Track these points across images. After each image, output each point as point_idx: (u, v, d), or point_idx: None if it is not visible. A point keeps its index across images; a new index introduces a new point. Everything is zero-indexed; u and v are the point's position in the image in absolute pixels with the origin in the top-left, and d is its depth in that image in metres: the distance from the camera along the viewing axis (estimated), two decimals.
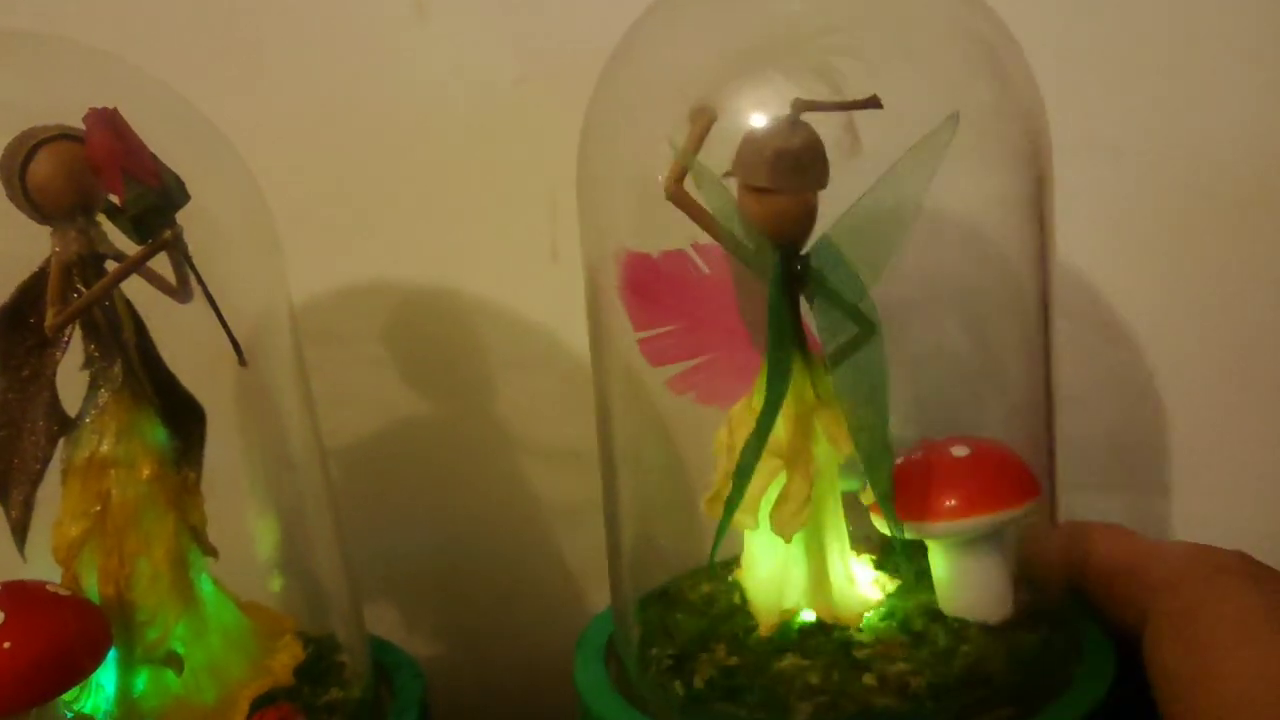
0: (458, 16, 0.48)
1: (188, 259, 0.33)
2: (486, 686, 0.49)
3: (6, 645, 0.31)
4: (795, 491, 0.35)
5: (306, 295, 0.47)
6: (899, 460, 0.36)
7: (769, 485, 0.35)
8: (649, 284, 0.37)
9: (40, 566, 0.35)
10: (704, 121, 0.35)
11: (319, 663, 0.38)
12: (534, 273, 0.48)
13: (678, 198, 0.34)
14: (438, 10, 0.47)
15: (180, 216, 0.34)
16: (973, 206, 0.39)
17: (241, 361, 0.35)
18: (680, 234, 0.37)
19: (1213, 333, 0.49)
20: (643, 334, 0.37)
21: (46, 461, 0.35)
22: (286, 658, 0.37)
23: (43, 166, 0.33)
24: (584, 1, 0.46)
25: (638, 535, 0.40)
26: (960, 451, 0.36)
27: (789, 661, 0.35)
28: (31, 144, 0.33)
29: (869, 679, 0.34)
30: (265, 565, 0.39)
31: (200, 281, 0.33)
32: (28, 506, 0.35)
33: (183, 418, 0.36)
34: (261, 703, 0.35)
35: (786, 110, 0.33)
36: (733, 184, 0.35)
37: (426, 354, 0.50)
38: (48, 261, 0.35)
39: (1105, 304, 0.50)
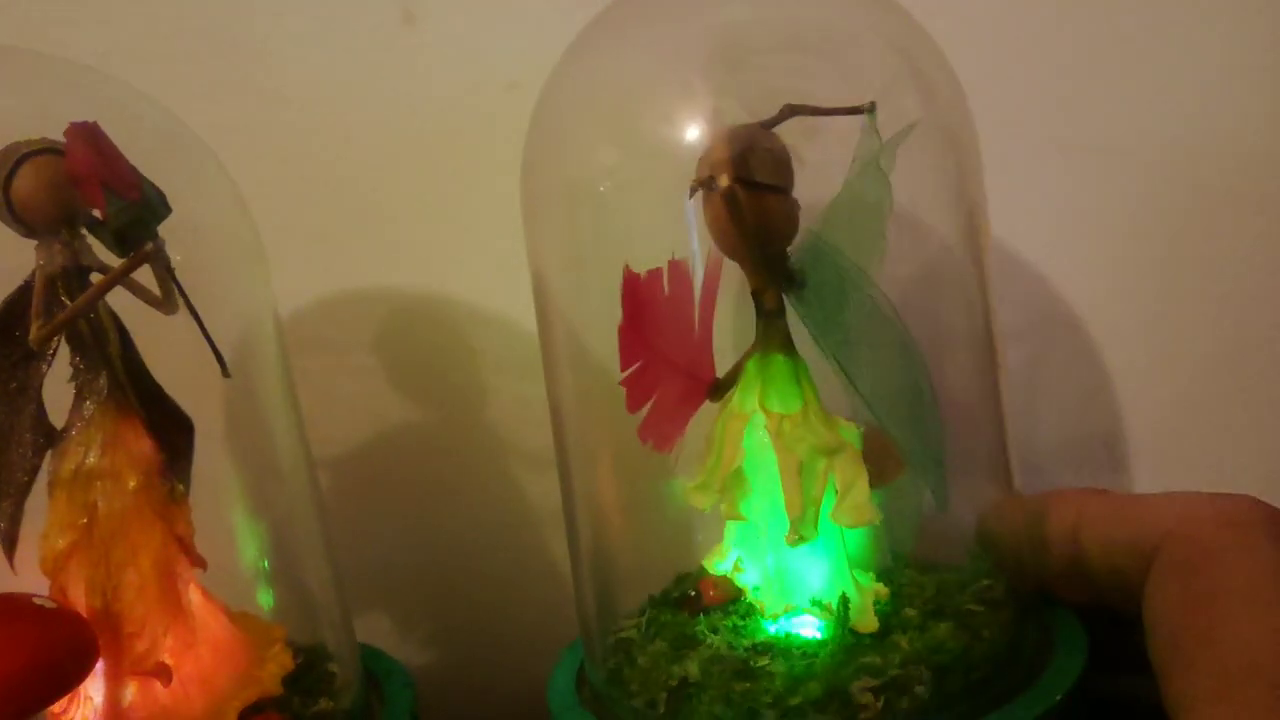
0: (447, 23, 0.48)
1: (169, 271, 0.33)
2: (477, 694, 0.49)
3: None
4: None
5: (295, 304, 0.47)
6: None
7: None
8: (632, 313, 0.36)
9: (28, 579, 0.35)
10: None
11: (308, 672, 0.38)
12: (524, 279, 0.48)
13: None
14: (426, 16, 0.48)
15: (163, 228, 0.34)
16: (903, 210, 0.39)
17: (225, 373, 0.35)
18: (615, 245, 0.38)
19: (1175, 331, 0.49)
20: (622, 374, 0.36)
21: (34, 474, 0.35)
22: (275, 667, 0.37)
23: (26, 180, 0.34)
24: (574, 6, 0.46)
25: (596, 550, 0.40)
26: None
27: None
28: (15, 158, 0.34)
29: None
30: (254, 575, 0.39)
31: (182, 294, 0.33)
32: (15, 519, 0.35)
33: (169, 429, 0.37)
34: (250, 713, 0.35)
35: (725, 123, 0.34)
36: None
37: (415, 362, 0.50)
38: (32, 275, 0.35)
39: (1066, 302, 0.50)
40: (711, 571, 0.39)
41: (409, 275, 0.49)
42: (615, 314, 0.42)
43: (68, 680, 0.32)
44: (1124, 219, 0.49)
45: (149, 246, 0.32)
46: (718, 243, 0.35)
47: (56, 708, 0.33)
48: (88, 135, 0.32)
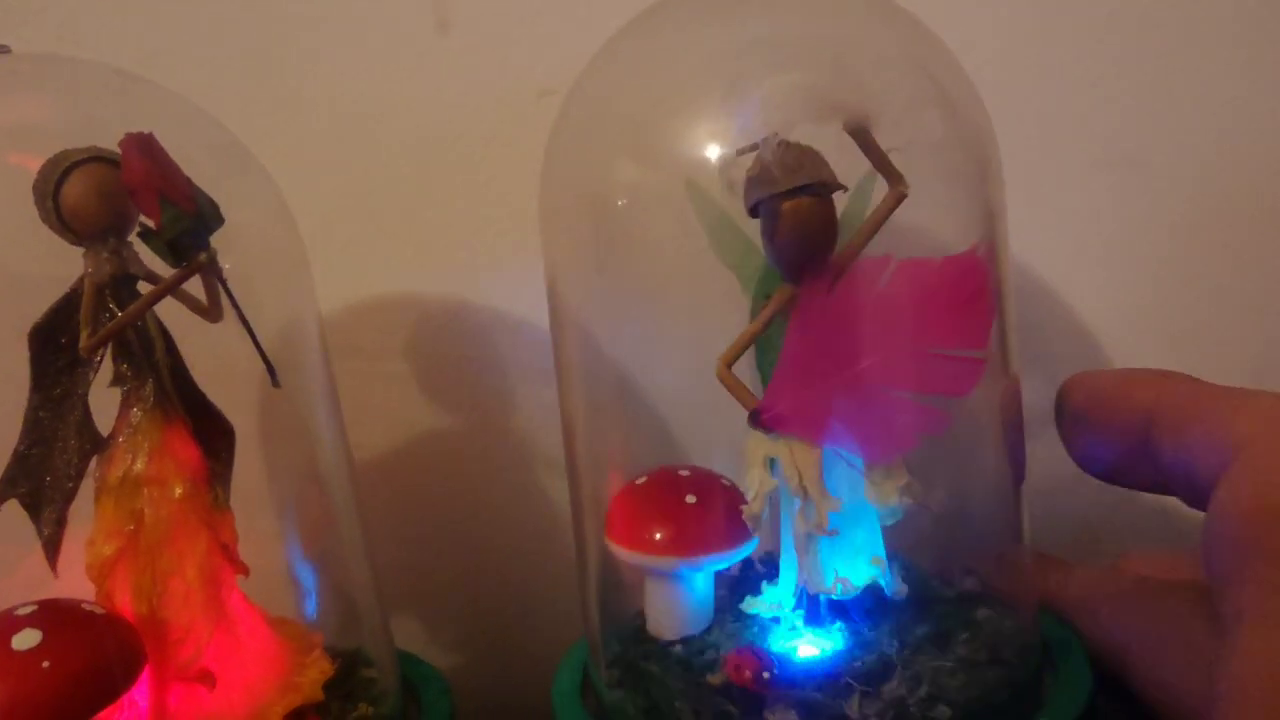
0: (480, 31, 0.48)
1: (222, 282, 0.34)
2: (505, 699, 0.49)
3: (45, 664, 0.31)
4: None
5: (324, 311, 0.47)
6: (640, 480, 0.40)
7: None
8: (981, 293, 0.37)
9: (68, 584, 0.35)
10: None
11: (348, 678, 0.38)
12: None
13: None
14: (460, 25, 0.48)
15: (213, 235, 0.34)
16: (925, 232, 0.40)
17: (275, 383, 0.35)
18: (626, 256, 0.40)
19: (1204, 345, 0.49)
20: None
21: (79, 479, 0.36)
22: (315, 673, 0.37)
23: (75, 188, 0.34)
24: (607, 14, 0.47)
25: (603, 555, 0.41)
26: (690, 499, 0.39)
27: None
28: (64, 166, 0.34)
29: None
30: (295, 581, 0.39)
31: (234, 303, 0.34)
32: (60, 524, 0.36)
33: (213, 436, 0.37)
34: (292, 719, 0.36)
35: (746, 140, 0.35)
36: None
37: (446, 369, 0.50)
38: (80, 282, 0.35)
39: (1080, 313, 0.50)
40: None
41: (439, 283, 0.50)
42: (629, 325, 0.43)
43: (116, 687, 0.33)
44: (1152, 235, 0.49)
45: (203, 256, 0.33)
46: (798, 249, 0.35)
47: (104, 714, 0.33)
48: (143, 145, 0.32)
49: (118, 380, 0.36)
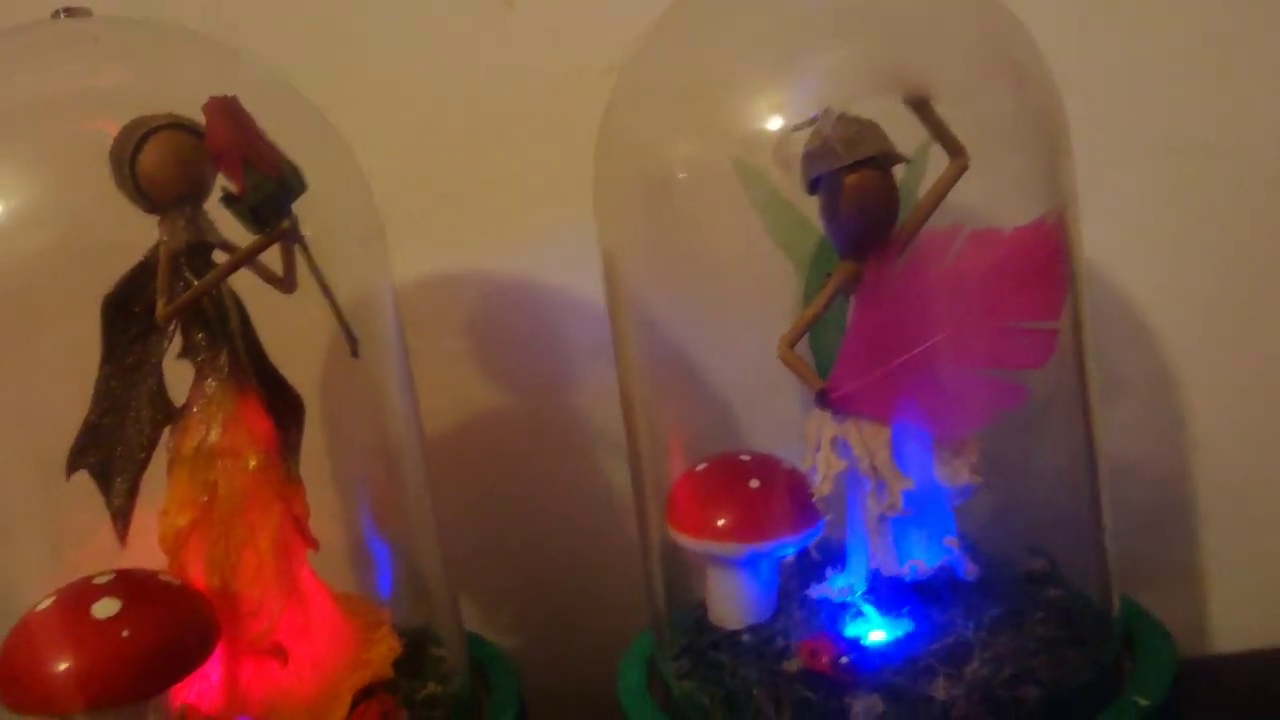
0: (546, 7, 0.47)
1: (305, 249, 0.33)
2: (568, 680, 0.48)
3: (125, 634, 0.30)
4: None
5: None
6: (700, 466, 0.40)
7: None
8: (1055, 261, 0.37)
9: (136, 555, 0.35)
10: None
11: (416, 656, 0.38)
12: None
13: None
14: (526, 1, 0.47)
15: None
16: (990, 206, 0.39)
17: (354, 353, 0.35)
18: (688, 226, 0.39)
19: None
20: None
21: (151, 450, 0.35)
22: (384, 650, 0.37)
23: (152, 155, 0.33)
24: None
25: (665, 544, 0.40)
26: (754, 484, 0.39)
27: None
28: (142, 133, 0.33)
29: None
30: (364, 557, 0.39)
31: (317, 271, 0.33)
32: (131, 494, 0.35)
33: (284, 409, 0.36)
34: (362, 695, 0.35)
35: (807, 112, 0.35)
36: None
37: (507, 346, 0.50)
38: (154, 250, 0.35)
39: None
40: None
41: (500, 260, 0.49)
42: (686, 301, 0.42)
43: (192, 659, 0.32)
44: (1220, 218, 0.48)
45: (285, 223, 0.32)
46: (862, 224, 0.35)
47: (176, 687, 0.33)
48: (228, 109, 0.31)
49: (188, 351, 0.35)
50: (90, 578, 0.32)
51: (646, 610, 0.42)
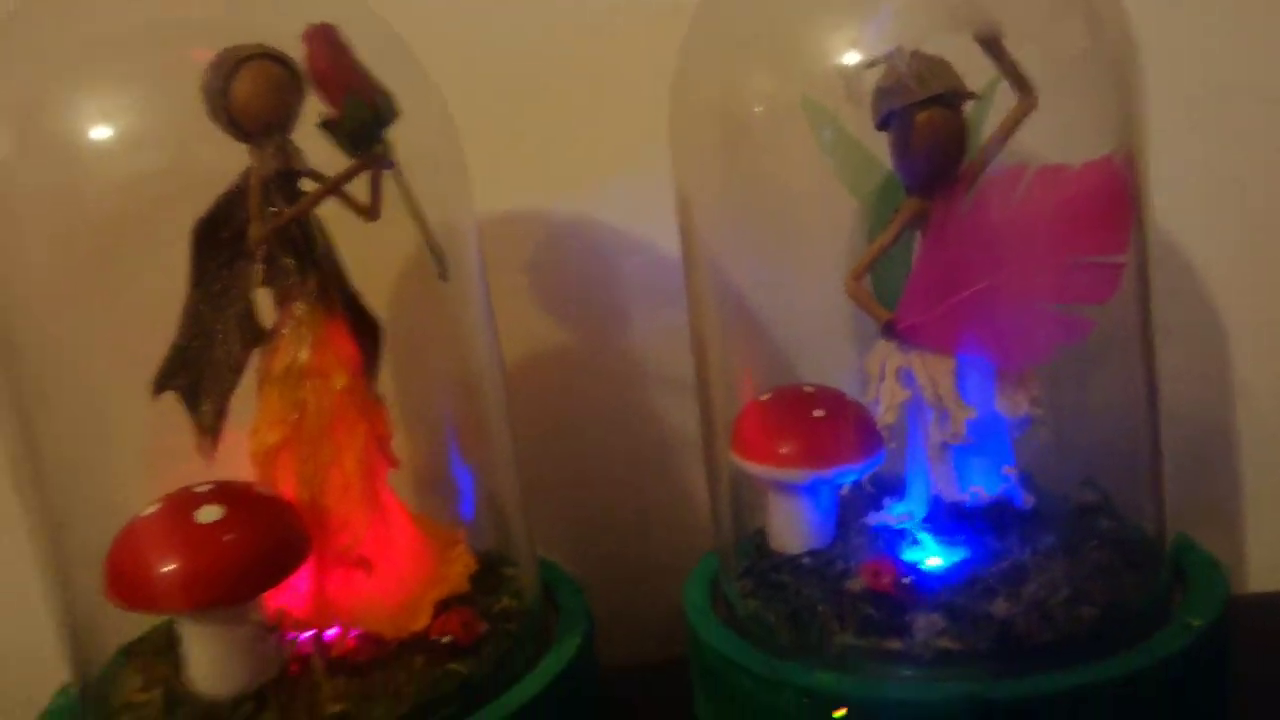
0: None
1: (398, 175, 0.34)
2: (627, 597, 0.49)
3: (228, 538, 0.32)
4: None
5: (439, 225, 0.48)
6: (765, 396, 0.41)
7: None
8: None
9: (221, 471, 0.36)
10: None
11: (489, 573, 0.39)
12: (672, 206, 0.49)
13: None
14: None
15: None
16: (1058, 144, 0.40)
17: (443, 276, 0.36)
18: (761, 163, 0.40)
19: None
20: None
21: (240, 371, 0.37)
22: (461, 567, 0.38)
23: (245, 85, 0.34)
24: None
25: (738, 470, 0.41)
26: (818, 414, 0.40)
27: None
28: (233, 62, 0.34)
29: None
30: (442, 480, 0.40)
31: (409, 196, 0.34)
32: (220, 414, 0.37)
33: (365, 332, 0.38)
34: (441, 608, 0.37)
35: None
36: None
37: (564, 284, 0.51)
38: (244, 178, 0.36)
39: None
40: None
41: (561, 199, 0.50)
42: (762, 239, 0.43)
43: (287, 566, 0.34)
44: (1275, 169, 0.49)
45: (380, 149, 0.33)
46: (931, 160, 0.36)
47: (269, 593, 0.35)
48: (327, 36, 0.32)
49: (274, 277, 0.36)
50: (191, 487, 0.34)
51: (706, 535, 0.43)
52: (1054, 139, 0.37)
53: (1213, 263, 0.50)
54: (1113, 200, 0.36)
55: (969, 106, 0.37)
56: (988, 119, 0.37)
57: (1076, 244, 0.36)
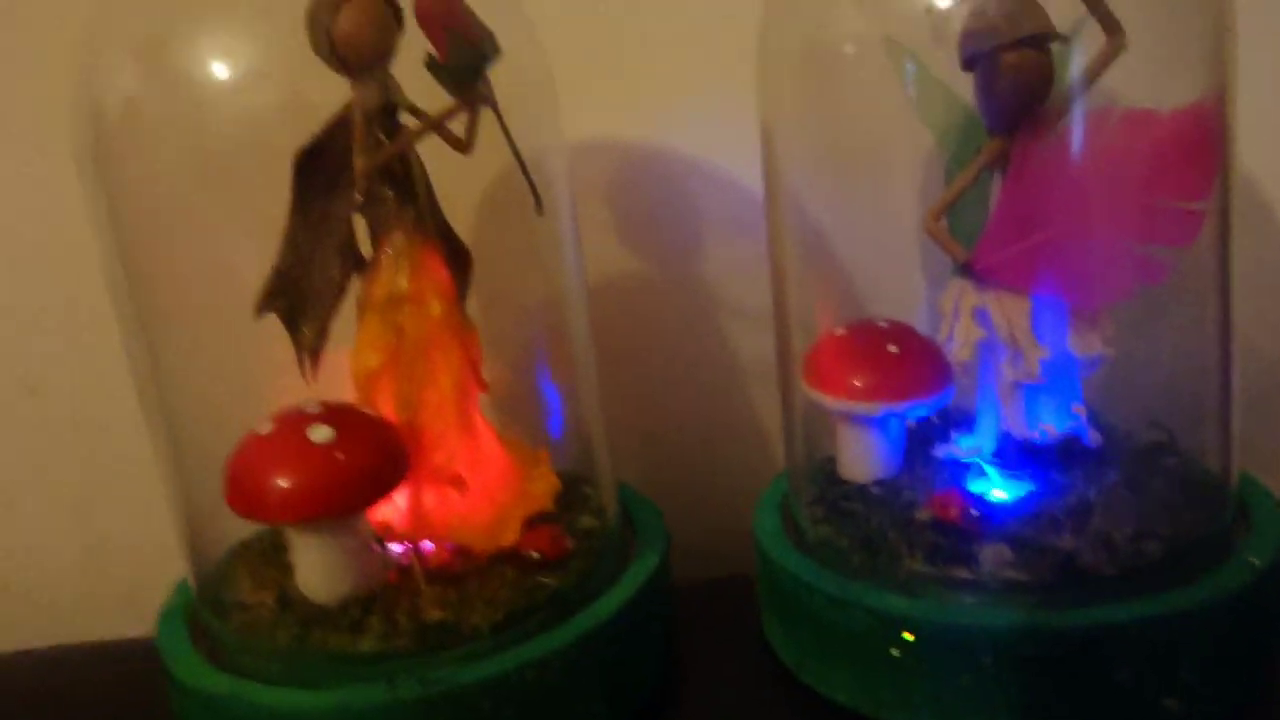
0: None
1: (497, 113, 0.35)
2: (701, 520, 0.51)
3: (340, 456, 0.34)
4: None
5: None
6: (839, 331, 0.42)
7: None
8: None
9: (318, 391, 0.38)
10: None
11: (571, 493, 0.41)
12: (748, 138, 0.49)
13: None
14: None
15: None
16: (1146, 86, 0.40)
17: (539, 210, 0.37)
18: (850, 102, 0.41)
19: None
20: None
21: (341, 296, 0.38)
22: (545, 485, 0.40)
23: (349, 19, 0.35)
24: None
25: (809, 401, 0.43)
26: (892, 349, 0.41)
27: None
28: None
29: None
30: (524, 401, 0.42)
31: (507, 133, 0.35)
32: (321, 336, 0.38)
33: (457, 260, 0.39)
34: (528, 525, 0.39)
35: None
36: None
37: (639, 214, 0.52)
38: (346, 110, 0.37)
39: None
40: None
41: (637, 128, 0.51)
42: (842, 175, 0.44)
43: (391, 482, 0.36)
44: None
45: (483, 87, 0.34)
46: (1018, 101, 0.36)
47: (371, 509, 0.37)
48: None
49: (371, 206, 0.38)
50: (301, 407, 0.36)
51: (772, 462, 0.45)
52: (1143, 81, 0.38)
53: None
54: (1200, 147, 0.37)
55: (1056, 47, 0.37)
56: (1074, 60, 0.38)
57: (1160, 188, 0.37)
